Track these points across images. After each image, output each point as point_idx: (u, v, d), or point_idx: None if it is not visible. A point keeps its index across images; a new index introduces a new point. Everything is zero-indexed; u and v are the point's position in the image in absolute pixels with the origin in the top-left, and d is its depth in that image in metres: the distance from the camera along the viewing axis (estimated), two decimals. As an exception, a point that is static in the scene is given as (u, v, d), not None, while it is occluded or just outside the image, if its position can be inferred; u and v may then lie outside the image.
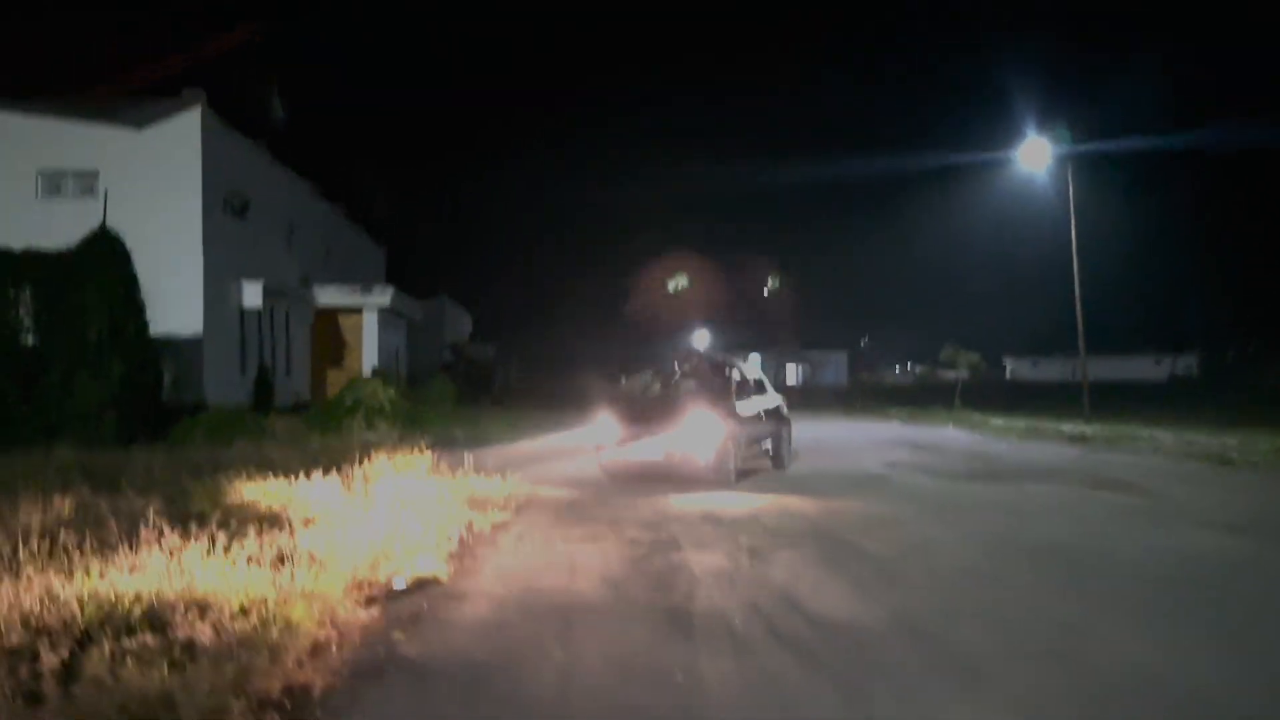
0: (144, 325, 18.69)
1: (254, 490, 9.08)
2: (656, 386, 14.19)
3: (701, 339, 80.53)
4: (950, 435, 21.91)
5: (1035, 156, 27.52)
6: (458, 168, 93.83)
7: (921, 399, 36.64)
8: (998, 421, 23.67)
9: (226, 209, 24.73)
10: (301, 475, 9.50)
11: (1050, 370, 73.24)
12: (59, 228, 19.22)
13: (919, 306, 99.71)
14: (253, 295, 25.60)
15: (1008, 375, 77.12)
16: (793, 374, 71.22)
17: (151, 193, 22.85)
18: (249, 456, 12.53)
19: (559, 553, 7.62)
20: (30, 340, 18.08)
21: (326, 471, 9.90)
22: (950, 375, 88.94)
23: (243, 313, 25.67)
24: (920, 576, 6.76)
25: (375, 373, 30.28)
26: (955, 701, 4.09)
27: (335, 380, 31.93)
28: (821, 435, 21.83)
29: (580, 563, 7.21)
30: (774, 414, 14.48)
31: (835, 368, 69.59)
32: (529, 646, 4.97)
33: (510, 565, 7.12)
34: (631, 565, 7.13)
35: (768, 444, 14.10)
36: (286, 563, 5.99)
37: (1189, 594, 6.26)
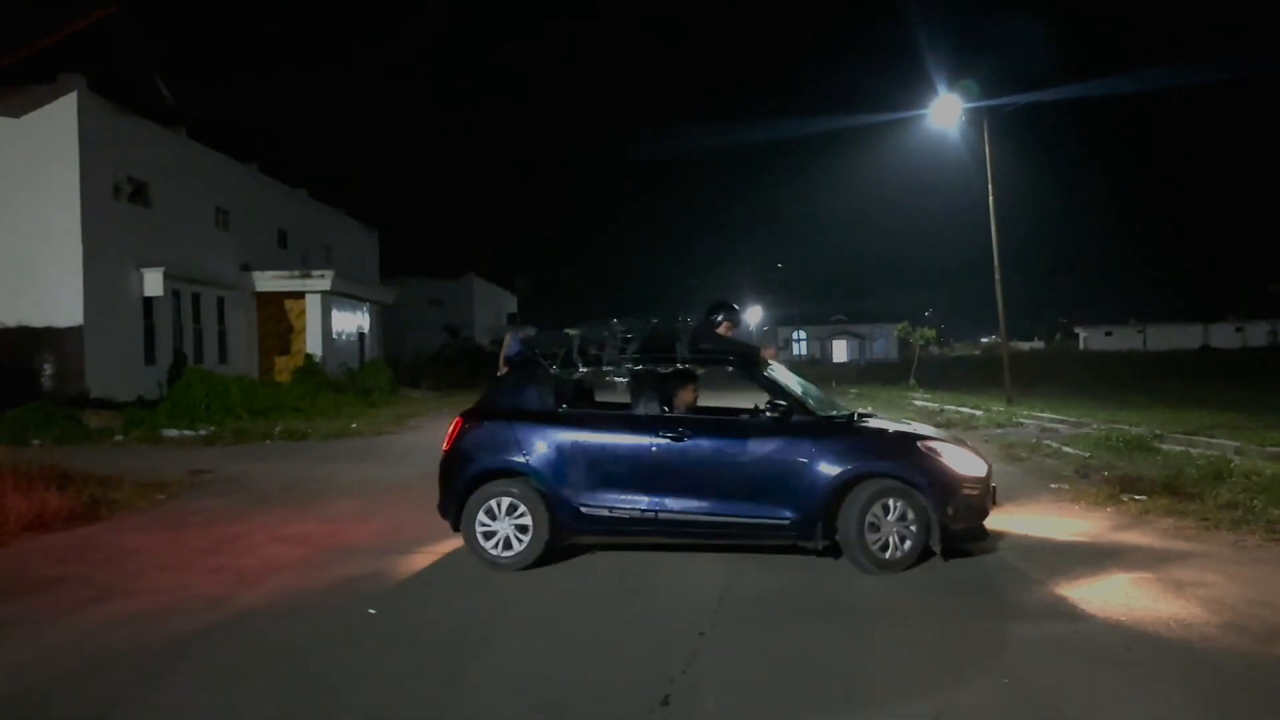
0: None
1: None
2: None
3: (753, 314, 78.29)
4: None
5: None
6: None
7: (926, 375, 34.01)
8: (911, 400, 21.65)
9: (118, 195, 24.26)
10: None
11: (1127, 339, 68.12)
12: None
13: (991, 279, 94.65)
14: (154, 283, 25.08)
15: (1081, 346, 72.17)
16: (842, 350, 68.15)
17: (32, 182, 22.49)
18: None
19: None
20: None
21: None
22: (1025, 347, 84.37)
23: (147, 301, 25.22)
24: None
25: (308, 359, 29.70)
26: None
27: (284, 366, 31.49)
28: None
29: None
30: None
31: (886, 342, 66.28)
32: None
33: None
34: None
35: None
36: None
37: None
